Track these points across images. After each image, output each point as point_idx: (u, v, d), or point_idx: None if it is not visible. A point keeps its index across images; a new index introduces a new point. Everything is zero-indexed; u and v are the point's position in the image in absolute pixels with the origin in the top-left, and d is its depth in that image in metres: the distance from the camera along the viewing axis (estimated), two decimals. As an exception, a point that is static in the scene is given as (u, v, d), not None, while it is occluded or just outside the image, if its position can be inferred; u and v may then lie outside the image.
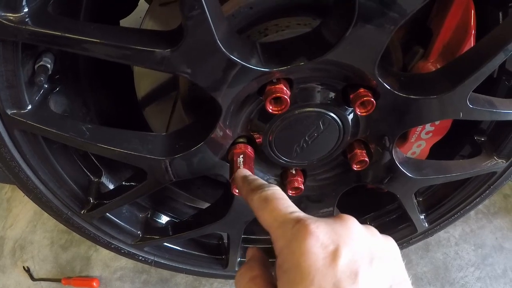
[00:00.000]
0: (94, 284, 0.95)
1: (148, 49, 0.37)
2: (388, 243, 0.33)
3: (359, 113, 0.47)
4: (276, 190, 0.35)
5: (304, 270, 0.28)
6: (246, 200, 0.37)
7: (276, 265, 0.31)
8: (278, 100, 0.43)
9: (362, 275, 0.28)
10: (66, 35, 0.37)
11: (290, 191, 0.57)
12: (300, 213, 0.32)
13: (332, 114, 0.49)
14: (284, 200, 0.34)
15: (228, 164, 0.51)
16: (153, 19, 0.59)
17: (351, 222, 0.32)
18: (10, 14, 0.36)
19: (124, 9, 0.84)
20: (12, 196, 1.14)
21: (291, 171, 0.57)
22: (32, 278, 0.99)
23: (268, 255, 0.36)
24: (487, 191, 0.70)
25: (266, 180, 0.55)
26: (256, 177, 0.40)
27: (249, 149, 0.51)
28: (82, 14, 0.52)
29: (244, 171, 0.43)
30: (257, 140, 0.51)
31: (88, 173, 0.61)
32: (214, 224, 0.62)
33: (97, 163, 0.62)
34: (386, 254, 0.31)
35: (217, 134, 0.47)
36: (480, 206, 0.93)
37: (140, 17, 1.35)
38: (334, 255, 0.28)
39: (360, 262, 0.28)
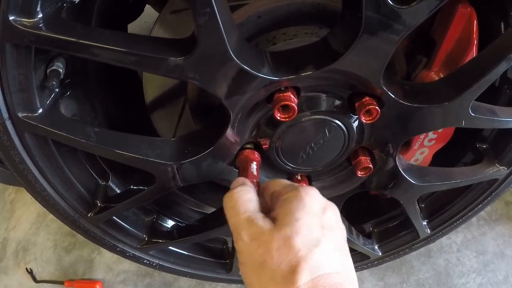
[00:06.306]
0: (97, 286, 0.95)
1: (161, 56, 0.38)
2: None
3: (364, 121, 0.48)
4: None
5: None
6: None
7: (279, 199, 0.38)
8: (286, 108, 0.44)
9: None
10: (81, 41, 0.38)
11: (295, 196, 0.57)
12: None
13: (338, 122, 0.50)
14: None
15: (236, 170, 0.52)
16: (163, 27, 0.61)
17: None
18: (24, 19, 0.37)
19: (131, 14, 0.86)
20: (16, 197, 1.15)
21: (296, 177, 0.58)
22: (35, 280, 0.99)
23: None
24: (489, 198, 0.71)
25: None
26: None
27: (256, 155, 0.52)
28: (93, 20, 0.53)
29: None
30: (264, 146, 0.52)
31: (96, 177, 0.62)
32: (220, 229, 0.63)
33: (104, 166, 0.63)
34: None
35: (225, 140, 0.48)
36: (481, 213, 0.94)
37: (145, 22, 1.37)
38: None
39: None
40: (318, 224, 0.35)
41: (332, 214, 0.38)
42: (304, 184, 0.57)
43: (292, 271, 0.33)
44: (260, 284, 0.34)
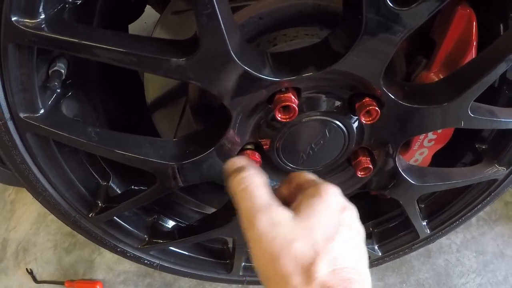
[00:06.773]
0: (98, 287, 0.96)
1: (163, 57, 0.38)
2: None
3: (364, 122, 0.48)
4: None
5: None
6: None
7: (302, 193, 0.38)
8: (286, 108, 0.44)
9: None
10: (83, 42, 0.39)
11: (296, 197, 0.58)
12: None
13: (338, 122, 0.50)
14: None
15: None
16: (165, 28, 0.61)
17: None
18: (27, 20, 0.37)
19: (132, 15, 0.86)
20: (16, 198, 1.15)
21: (297, 177, 0.59)
22: (35, 280, 0.99)
23: None
24: (488, 198, 0.71)
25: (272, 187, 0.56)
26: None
27: (256, 156, 0.52)
28: (95, 21, 0.54)
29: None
30: (264, 147, 0.52)
31: (97, 177, 0.62)
32: (221, 229, 0.63)
33: (105, 167, 0.63)
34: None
35: (226, 140, 0.49)
36: (481, 213, 0.94)
37: (145, 23, 1.37)
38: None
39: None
40: (335, 222, 0.35)
41: (350, 214, 0.38)
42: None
43: (311, 262, 0.32)
44: (277, 274, 0.33)
